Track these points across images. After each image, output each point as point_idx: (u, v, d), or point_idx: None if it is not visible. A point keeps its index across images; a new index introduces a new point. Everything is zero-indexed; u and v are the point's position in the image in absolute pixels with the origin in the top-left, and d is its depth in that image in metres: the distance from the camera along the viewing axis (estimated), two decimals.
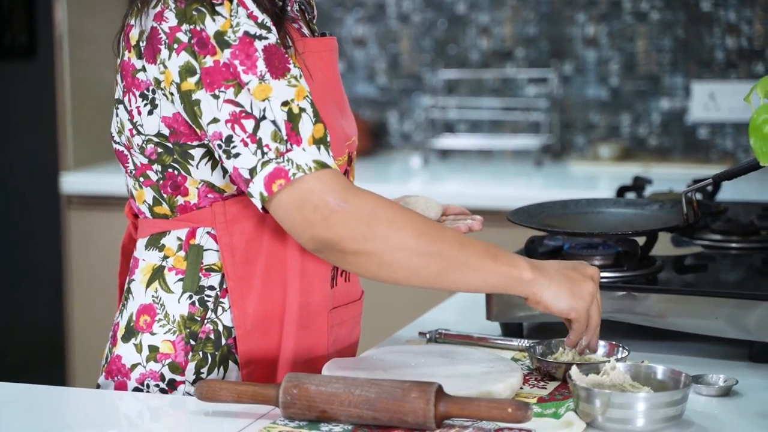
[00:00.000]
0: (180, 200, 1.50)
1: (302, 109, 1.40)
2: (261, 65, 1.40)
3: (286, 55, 1.42)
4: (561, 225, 1.79)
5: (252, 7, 1.42)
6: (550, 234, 1.78)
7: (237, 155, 1.40)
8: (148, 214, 1.54)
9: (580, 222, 1.84)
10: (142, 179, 1.52)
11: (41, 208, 3.79)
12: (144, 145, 1.50)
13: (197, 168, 1.48)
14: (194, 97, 1.42)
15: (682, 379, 1.35)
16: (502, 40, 3.74)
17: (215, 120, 1.41)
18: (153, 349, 1.51)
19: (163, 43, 1.43)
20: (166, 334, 1.51)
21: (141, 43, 1.46)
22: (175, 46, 1.42)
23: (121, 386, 1.52)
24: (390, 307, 2.70)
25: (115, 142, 1.55)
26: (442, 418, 1.29)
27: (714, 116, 3.57)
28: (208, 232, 1.51)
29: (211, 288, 1.51)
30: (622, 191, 2.28)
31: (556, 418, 1.34)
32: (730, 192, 2.45)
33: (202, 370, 1.50)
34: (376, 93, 3.86)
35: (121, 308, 1.56)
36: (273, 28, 1.43)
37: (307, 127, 1.39)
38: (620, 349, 1.52)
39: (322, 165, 1.39)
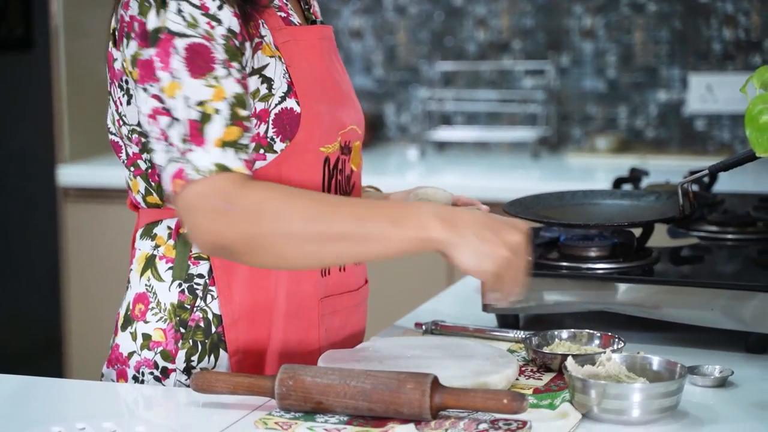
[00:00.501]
0: None
1: (217, 111, 1.39)
2: (176, 63, 1.39)
3: (216, 55, 1.40)
4: (557, 216, 1.79)
5: None
6: (546, 225, 1.78)
7: (152, 150, 1.42)
8: (143, 204, 1.55)
9: (576, 213, 1.84)
10: (133, 169, 1.54)
11: (38, 200, 3.79)
12: (130, 134, 1.52)
13: None
14: (135, 88, 1.44)
15: (678, 370, 1.35)
16: (499, 31, 3.74)
17: (141, 113, 1.43)
18: (146, 337, 1.52)
19: (124, 31, 1.45)
20: (158, 323, 1.52)
21: (116, 32, 1.49)
22: (132, 35, 1.43)
23: (122, 374, 1.54)
24: (386, 299, 2.70)
25: (111, 133, 1.56)
26: (437, 410, 1.29)
27: (711, 108, 3.57)
28: None
29: (200, 276, 1.51)
30: (618, 183, 2.28)
31: (551, 409, 1.34)
32: (726, 183, 2.45)
33: (192, 358, 1.51)
34: (372, 85, 3.85)
35: (123, 298, 1.57)
36: (225, 20, 1.42)
37: (216, 129, 1.38)
38: (616, 340, 1.52)
39: (223, 168, 1.37)
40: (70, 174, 3.50)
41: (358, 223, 1.37)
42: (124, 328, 1.54)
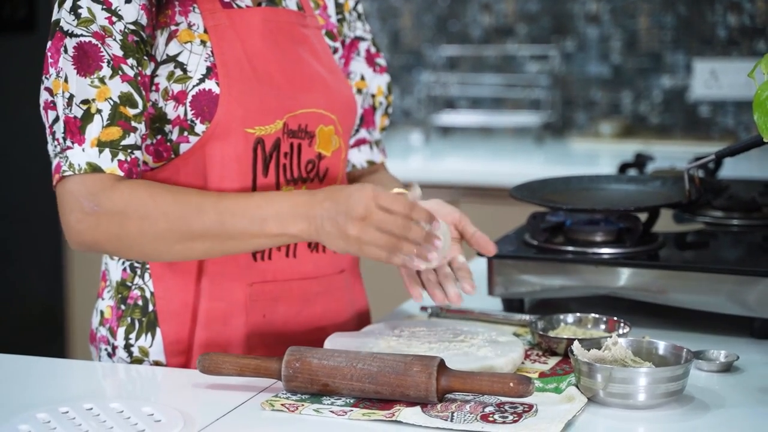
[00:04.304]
0: None
1: (99, 110, 1.42)
2: (63, 62, 1.43)
3: (104, 54, 1.42)
4: (563, 201, 1.79)
5: None
6: (553, 210, 1.78)
7: (47, 142, 1.46)
8: None
9: (582, 198, 1.84)
10: None
11: (40, 182, 3.78)
12: None
13: None
14: None
15: (684, 355, 1.35)
16: (503, 16, 3.73)
17: (39, 103, 1.46)
18: (101, 314, 1.59)
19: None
20: (109, 300, 1.58)
21: None
22: (50, 29, 1.47)
23: (96, 351, 1.61)
24: (392, 283, 2.70)
25: None
26: (443, 392, 1.29)
27: (715, 94, 3.56)
28: None
29: None
30: (624, 168, 2.28)
31: (557, 392, 1.34)
32: (732, 169, 2.45)
33: (130, 336, 1.55)
34: None
35: None
36: (128, 15, 1.43)
37: (95, 129, 1.42)
38: (622, 324, 1.52)
39: (95, 168, 1.41)
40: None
41: (221, 225, 1.42)
42: (95, 306, 1.62)
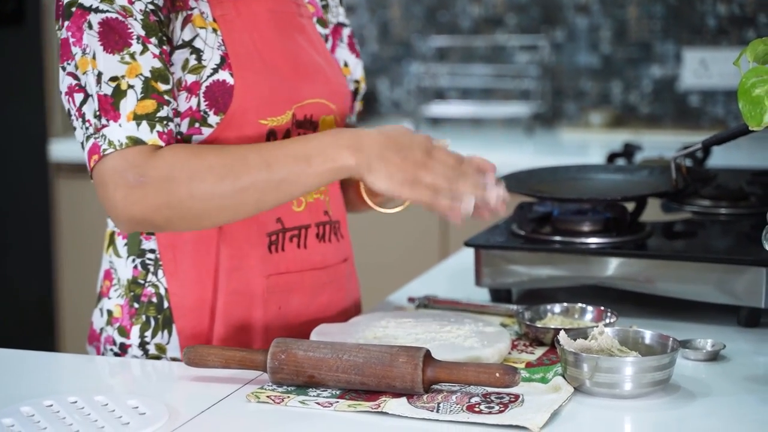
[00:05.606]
0: None
1: (131, 86, 1.39)
2: (89, 39, 1.39)
3: (132, 31, 1.40)
4: (551, 191, 1.79)
5: None
6: (540, 200, 1.78)
7: (74, 128, 1.42)
8: None
9: (569, 188, 1.84)
10: None
11: (29, 175, 3.77)
12: None
13: None
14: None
15: (670, 344, 1.35)
16: (492, 6, 3.72)
17: (61, 92, 1.43)
18: (109, 313, 1.55)
19: (57, 13, 1.45)
20: (117, 299, 1.54)
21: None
22: (57, 16, 1.44)
23: (98, 351, 1.56)
24: (378, 274, 2.70)
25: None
26: (430, 383, 1.29)
27: (705, 83, 3.56)
28: None
29: (152, 251, 1.52)
30: (612, 157, 2.28)
31: (544, 382, 1.34)
32: (719, 158, 2.45)
33: (146, 334, 1.52)
34: (366, 60, 3.83)
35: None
36: None
37: (129, 103, 1.38)
38: (608, 314, 1.52)
39: (136, 141, 1.38)
40: (61, 149, 3.48)
41: (270, 170, 1.39)
42: (97, 305, 1.57)
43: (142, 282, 1.52)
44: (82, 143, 1.41)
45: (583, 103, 3.70)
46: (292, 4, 1.59)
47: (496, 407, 1.25)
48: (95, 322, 1.57)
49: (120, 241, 1.54)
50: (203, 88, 1.46)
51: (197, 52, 1.46)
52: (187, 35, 1.46)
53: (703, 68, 3.55)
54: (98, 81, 1.38)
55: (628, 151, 2.28)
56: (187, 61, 1.45)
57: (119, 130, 1.38)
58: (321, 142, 1.40)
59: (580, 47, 3.68)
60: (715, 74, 3.54)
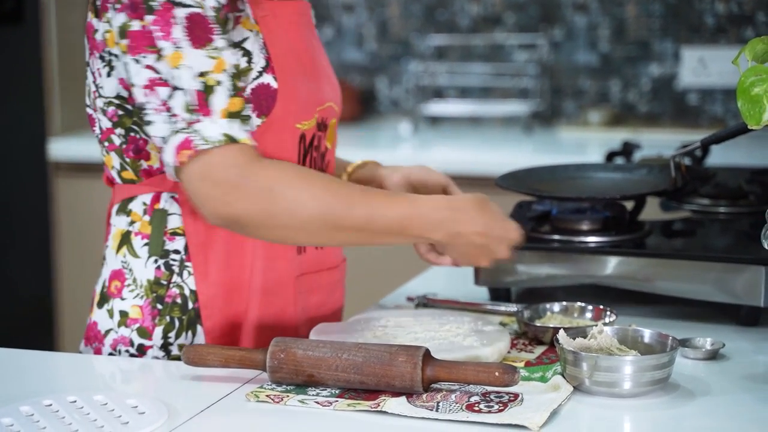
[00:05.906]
0: (143, 164, 1.50)
1: (219, 82, 1.38)
2: (178, 33, 1.38)
3: (213, 26, 1.39)
4: (549, 190, 1.79)
5: None
6: (539, 199, 1.78)
7: (149, 123, 1.40)
8: (118, 180, 1.54)
9: (568, 187, 1.84)
10: (107, 144, 1.53)
11: (28, 174, 3.77)
12: (105, 107, 1.50)
13: None
14: (124, 60, 1.42)
15: (669, 343, 1.35)
16: (491, 5, 3.72)
17: (134, 85, 1.41)
18: (123, 314, 1.52)
19: (109, 2, 1.43)
20: (134, 299, 1.51)
21: (97, 2, 1.47)
22: (117, 6, 1.41)
23: (98, 353, 1.54)
24: (377, 273, 2.70)
25: (87, 106, 1.56)
26: (429, 382, 1.29)
27: (704, 82, 3.56)
28: (172, 197, 1.51)
29: (176, 252, 1.51)
30: (611, 156, 2.28)
31: (543, 381, 1.34)
32: (718, 157, 2.45)
33: (169, 335, 1.51)
34: (364, 59, 3.84)
35: (99, 275, 1.57)
36: None
37: (220, 99, 1.38)
38: (608, 312, 1.52)
39: (231, 139, 1.37)
40: (61, 148, 3.48)
41: (370, 221, 1.41)
42: (100, 305, 1.54)
43: (165, 283, 1.51)
44: (165, 137, 1.39)
45: (581, 101, 3.69)
46: (308, 6, 1.60)
47: (496, 406, 1.25)
48: (100, 323, 1.53)
49: (138, 242, 1.52)
50: (248, 91, 1.45)
51: (248, 54, 1.46)
52: (238, 36, 1.46)
53: (701, 67, 3.55)
54: (190, 75, 1.37)
55: (627, 149, 2.28)
56: (238, 63, 1.45)
57: (213, 127, 1.37)
58: (427, 209, 1.44)
59: (579, 46, 3.68)
60: (713, 73, 3.54)
